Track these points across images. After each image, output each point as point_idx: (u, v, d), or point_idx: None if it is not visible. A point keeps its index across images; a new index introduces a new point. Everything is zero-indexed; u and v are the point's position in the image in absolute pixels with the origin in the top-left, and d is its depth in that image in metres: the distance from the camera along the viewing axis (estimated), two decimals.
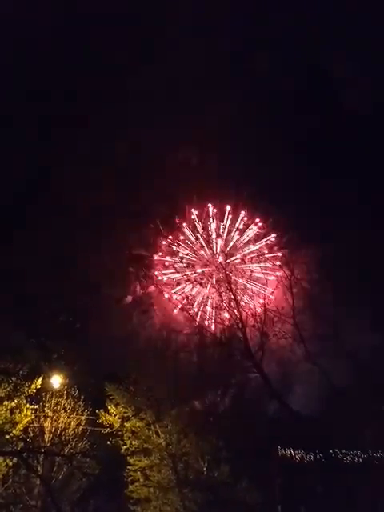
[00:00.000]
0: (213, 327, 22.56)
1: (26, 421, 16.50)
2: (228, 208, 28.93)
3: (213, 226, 28.23)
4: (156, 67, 30.02)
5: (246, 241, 28.77)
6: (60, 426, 17.84)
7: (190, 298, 26.39)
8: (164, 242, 29.72)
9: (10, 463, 15.77)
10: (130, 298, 31.75)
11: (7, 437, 15.71)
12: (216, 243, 28.51)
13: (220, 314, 22.14)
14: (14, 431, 15.93)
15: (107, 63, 29.64)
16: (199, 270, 27.58)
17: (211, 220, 28.34)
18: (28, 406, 16.64)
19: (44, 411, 17.73)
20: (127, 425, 19.21)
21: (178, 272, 28.03)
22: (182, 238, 29.45)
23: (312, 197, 27.28)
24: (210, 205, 29.29)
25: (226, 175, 28.41)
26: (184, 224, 29.26)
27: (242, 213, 29.01)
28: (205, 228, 28.64)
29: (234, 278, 25.66)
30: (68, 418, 18.12)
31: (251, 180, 27.59)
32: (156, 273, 29.65)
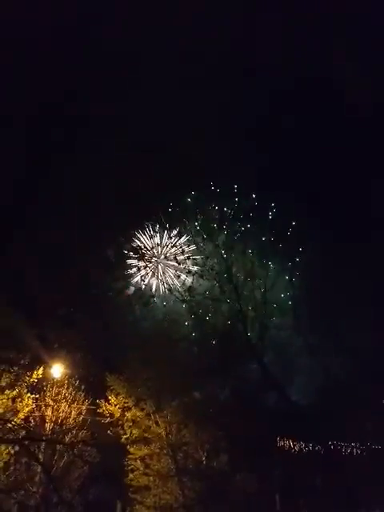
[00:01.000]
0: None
1: (27, 409, 16.71)
2: None
3: None
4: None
5: None
6: (61, 415, 18.03)
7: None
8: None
9: (12, 451, 15.98)
10: (131, 290, 31.85)
11: (9, 425, 15.87)
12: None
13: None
14: (16, 419, 16.12)
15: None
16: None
17: None
18: (29, 395, 16.83)
19: (45, 400, 17.92)
20: (127, 414, 19.43)
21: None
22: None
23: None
24: None
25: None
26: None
27: None
28: None
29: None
30: (69, 407, 18.31)
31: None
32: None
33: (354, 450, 20.30)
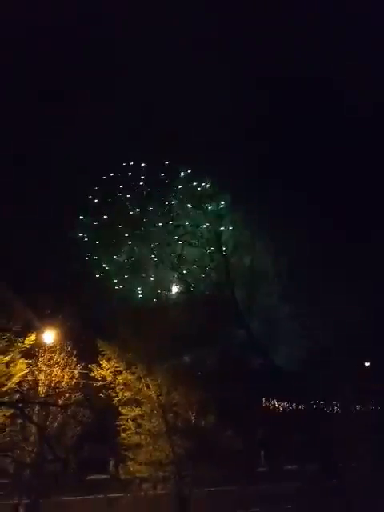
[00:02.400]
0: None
1: (21, 374, 17.13)
2: None
3: None
4: None
5: None
6: (54, 378, 18.56)
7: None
8: None
9: (7, 413, 16.51)
10: (123, 256, 31.96)
11: (4, 389, 16.31)
12: None
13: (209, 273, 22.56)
14: (10, 383, 16.54)
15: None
16: None
17: None
18: (22, 360, 17.20)
19: (38, 365, 18.36)
20: (119, 378, 19.98)
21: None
22: None
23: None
24: None
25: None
26: None
27: None
28: None
29: None
30: (62, 371, 18.81)
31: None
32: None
33: (335, 408, 21.51)
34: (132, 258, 30.19)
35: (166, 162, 31.76)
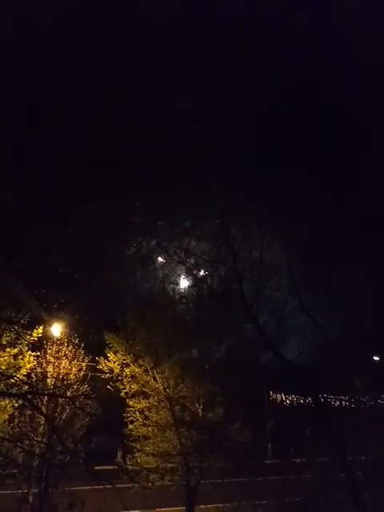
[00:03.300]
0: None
1: (29, 366, 17.39)
2: None
3: None
4: None
5: None
6: (62, 371, 18.79)
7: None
8: None
9: (16, 404, 16.78)
10: (132, 250, 31.93)
11: (12, 380, 16.52)
12: None
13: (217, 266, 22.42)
14: (18, 375, 16.77)
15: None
16: None
17: None
18: (30, 352, 17.44)
19: (46, 358, 18.60)
20: (126, 370, 20.17)
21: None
22: None
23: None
24: None
25: None
26: None
27: None
28: None
29: None
30: (69, 364, 19.03)
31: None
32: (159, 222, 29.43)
33: (343, 402, 21.32)
34: (140, 251, 30.19)
35: None
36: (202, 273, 22.85)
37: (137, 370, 20.24)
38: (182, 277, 23.71)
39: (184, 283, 23.75)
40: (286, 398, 21.69)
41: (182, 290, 23.39)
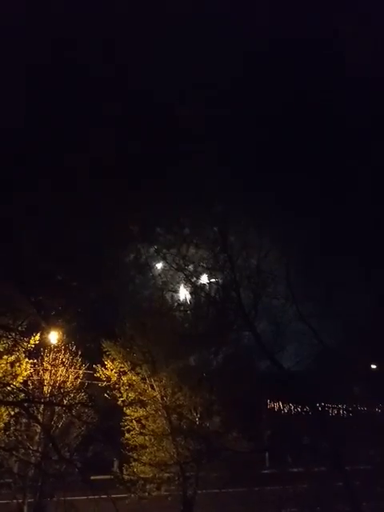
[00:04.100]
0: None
1: (25, 374, 17.30)
2: None
3: None
4: None
5: None
6: (59, 378, 18.68)
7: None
8: None
9: (12, 412, 16.64)
10: (131, 257, 31.92)
11: (8, 388, 16.42)
12: None
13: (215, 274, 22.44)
14: (15, 383, 16.67)
15: None
16: None
17: None
18: (27, 360, 17.35)
19: (43, 365, 18.50)
20: (123, 378, 20.06)
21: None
22: None
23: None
24: None
25: None
26: None
27: None
28: None
29: None
30: (66, 371, 18.92)
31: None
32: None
33: (341, 411, 21.23)
34: (139, 258, 30.17)
35: None
36: (201, 280, 22.87)
37: (134, 378, 20.14)
38: (182, 285, 23.71)
39: (183, 291, 23.73)
40: (283, 406, 21.58)
41: (183, 298, 23.39)
